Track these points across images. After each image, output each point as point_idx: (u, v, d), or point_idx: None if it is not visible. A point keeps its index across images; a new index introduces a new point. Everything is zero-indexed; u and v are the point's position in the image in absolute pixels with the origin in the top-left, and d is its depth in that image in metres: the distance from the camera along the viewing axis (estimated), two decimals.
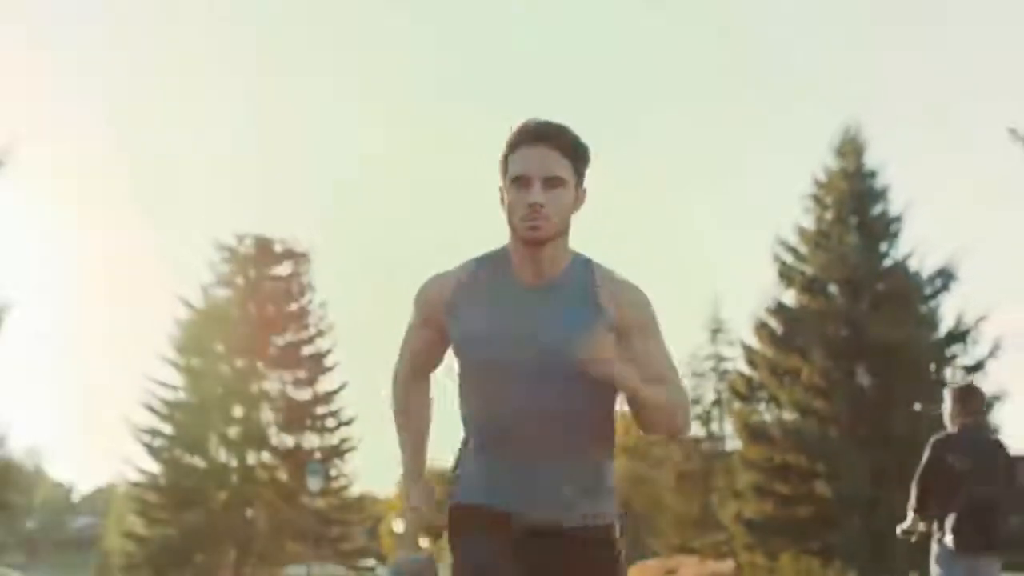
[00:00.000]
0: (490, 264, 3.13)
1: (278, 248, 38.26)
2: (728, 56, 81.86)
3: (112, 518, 60.22)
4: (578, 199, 3.07)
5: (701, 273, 69.16)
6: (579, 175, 3.05)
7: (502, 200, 3.08)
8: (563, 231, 3.05)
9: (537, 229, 2.98)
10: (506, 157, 3.04)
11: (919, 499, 6.56)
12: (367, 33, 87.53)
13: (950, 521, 6.38)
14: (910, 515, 6.64)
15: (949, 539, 6.38)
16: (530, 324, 3.02)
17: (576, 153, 3.03)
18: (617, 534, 3.10)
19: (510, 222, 3.04)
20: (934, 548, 6.50)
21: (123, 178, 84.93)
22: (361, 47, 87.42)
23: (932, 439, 6.68)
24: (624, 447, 35.50)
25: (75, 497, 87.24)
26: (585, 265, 3.10)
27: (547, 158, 2.98)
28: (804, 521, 28.66)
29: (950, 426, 6.70)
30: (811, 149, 64.55)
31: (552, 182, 2.98)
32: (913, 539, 6.73)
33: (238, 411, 37.15)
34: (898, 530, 6.69)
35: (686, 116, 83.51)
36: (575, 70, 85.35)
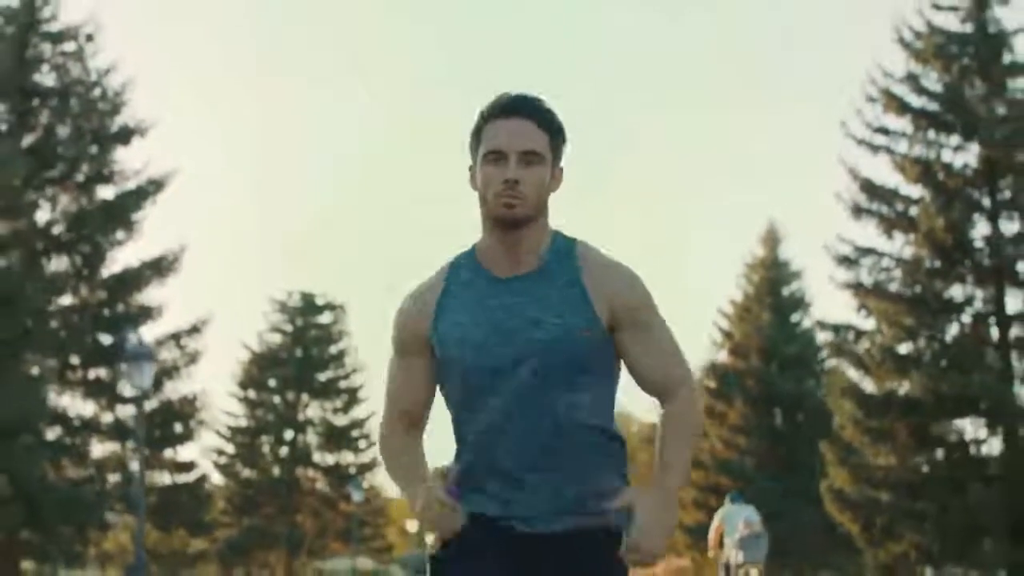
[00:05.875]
0: (463, 264, 3.08)
1: (320, 301, 49.08)
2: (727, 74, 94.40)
3: None
4: (555, 178, 3.03)
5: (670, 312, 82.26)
6: (556, 152, 3.02)
7: (472, 179, 3.04)
8: (540, 212, 3.00)
9: (512, 207, 2.93)
10: (478, 130, 3.02)
11: None
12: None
13: None
14: None
15: None
16: (512, 321, 2.97)
17: (553, 127, 3.01)
18: (612, 540, 3.01)
19: (482, 201, 3.00)
20: None
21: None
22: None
23: None
24: None
25: None
26: (567, 247, 3.05)
27: (523, 131, 2.96)
28: None
29: None
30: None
31: (528, 157, 2.95)
32: None
33: (288, 434, 47.38)
34: None
35: (675, 141, 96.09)
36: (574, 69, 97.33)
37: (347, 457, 48.97)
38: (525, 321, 2.98)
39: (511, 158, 2.95)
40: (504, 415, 2.99)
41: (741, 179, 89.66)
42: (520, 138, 2.96)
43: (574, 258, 3.03)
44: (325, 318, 49.75)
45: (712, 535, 17.62)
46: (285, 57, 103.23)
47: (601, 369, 3.04)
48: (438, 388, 3.14)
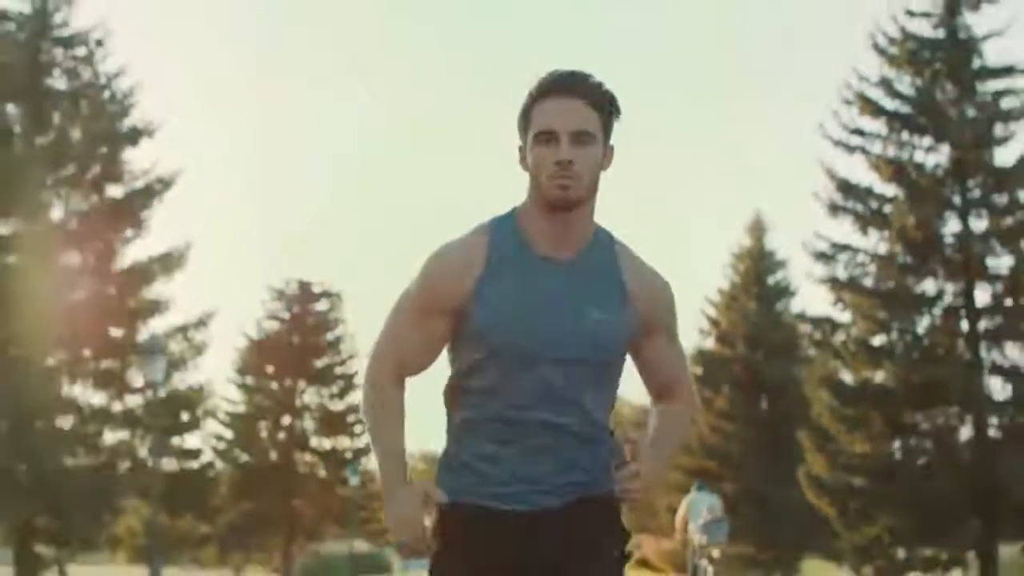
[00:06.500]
0: (506, 232, 3.07)
1: (316, 289, 49.98)
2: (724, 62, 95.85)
3: None
4: (607, 157, 3.05)
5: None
6: (607, 131, 3.04)
7: (522, 159, 3.05)
8: (592, 193, 3.03)
9: (567, 189, 2.95)
10: (528, 110, 3.03)
11: None
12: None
13: None
14: None
15: None
16: (557, 309, 3.00)
17: (605, 106, 3.03)
18: (618, 508, 3.14)
19: (534, 182, 3.02)
20: None
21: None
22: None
23: None
24: None
25: None
26: (608, 242, 3.11)
27: (575, 111, 2.98)
28: None
29: None
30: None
31: (581, 138, 2.97)
32: None
33: (285, 420, 48.05)
34: None
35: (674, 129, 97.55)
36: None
37: (343, 442, 49.93)
38: (570, 311, 3.04)
39: (563, 138, 2.97)
40: (531, 399, 3.05)
41: (730, 171, 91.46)
42: (571, 118, 2.98)
43: (614, 255, 3.12)
44: (322, 306, 50.73)
45: (679, 521, 19.64)
46: (285, 57, 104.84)
47: (619, 371, 3.17)
48: (451, 359, 3.18)
